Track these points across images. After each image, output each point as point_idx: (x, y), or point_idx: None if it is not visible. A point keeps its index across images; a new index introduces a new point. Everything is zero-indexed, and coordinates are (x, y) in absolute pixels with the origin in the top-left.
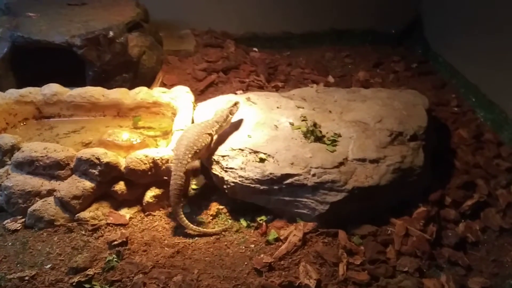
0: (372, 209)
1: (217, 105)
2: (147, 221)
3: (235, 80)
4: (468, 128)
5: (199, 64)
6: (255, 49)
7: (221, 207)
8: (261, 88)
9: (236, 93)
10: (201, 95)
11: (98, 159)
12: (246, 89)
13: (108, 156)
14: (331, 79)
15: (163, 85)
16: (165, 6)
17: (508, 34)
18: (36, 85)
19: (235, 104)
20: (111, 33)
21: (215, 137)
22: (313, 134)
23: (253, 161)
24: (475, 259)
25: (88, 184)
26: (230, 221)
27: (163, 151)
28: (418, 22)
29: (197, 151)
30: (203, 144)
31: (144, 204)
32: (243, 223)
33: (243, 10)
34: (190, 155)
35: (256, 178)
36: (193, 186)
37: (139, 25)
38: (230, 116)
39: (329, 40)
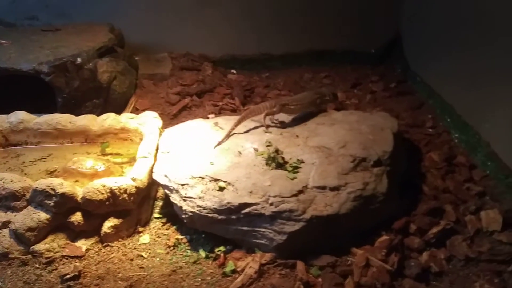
0: (333, 239)
1: (186, 130)
2: (104, 252)
3: (208, 103)
4: (440, 150)
5: (173, 87)
6: (234, 71)
7: (181, 237)
8: (234, 111)
9: (208, 117)
10: (174, 119)
11: (53, 189)
12: (218, 113)
13: (63, 186)
14: None
15: (136, 110)
16: (143, 29)
17: (483, 57)
18: (8, 112)
19: (331, 93)
20: (79, 60)
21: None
22: (274, 161)
23: (212, 190)
24: None
25: (43, 216)
26: (189, 251)
27: (121, 180)
28: (398, 42)
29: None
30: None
31: (102, 235)
32: (202, 253)
33: (221, 32)
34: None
35: (214, 208)
36: (156, 215)
37: (112, 50)
38: (319, 100)
39: (308, 61)
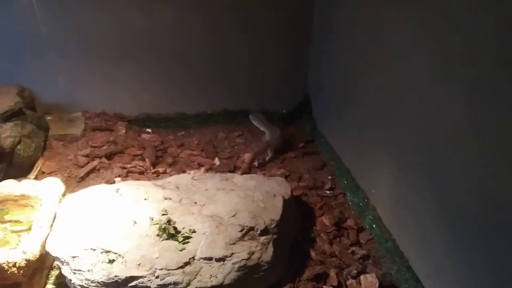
0: None
1: (87, 198)
2: None
3: (117, 165)
4: (332, 214)
5: (83, 149)
6: (149, 130)
7: None
8: (142, 173)
9: (114, 181)
10: (81, 181)
11: None
12: (126, 176)
13: None
14: (217, 161)
15: (42, 173)
16: (56, 88)
17: (371, 128)
18: None
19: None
20: None
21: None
22: (165, 231)
23: (102, 262)
24: None
25: None
26: None
27: (10, 254)
28: (308, 103)
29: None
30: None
31: None
32: None
33: (136, 91)
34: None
35: (102, 281)
36: (49, 286)
37: (19, 113)
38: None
39: (223, 120)
